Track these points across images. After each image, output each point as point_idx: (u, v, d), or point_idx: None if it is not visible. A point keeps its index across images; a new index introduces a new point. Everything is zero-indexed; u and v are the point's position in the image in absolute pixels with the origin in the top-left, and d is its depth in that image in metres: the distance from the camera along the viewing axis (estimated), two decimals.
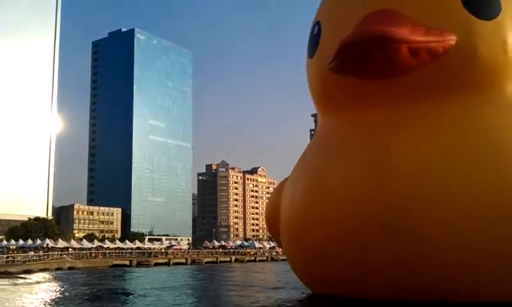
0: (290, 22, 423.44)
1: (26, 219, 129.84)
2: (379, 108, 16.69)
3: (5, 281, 46.49)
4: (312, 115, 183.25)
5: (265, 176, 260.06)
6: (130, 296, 34.95)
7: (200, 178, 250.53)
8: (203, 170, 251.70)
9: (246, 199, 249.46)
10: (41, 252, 75.83)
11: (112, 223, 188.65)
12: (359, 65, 15.86)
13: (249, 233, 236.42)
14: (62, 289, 40.45)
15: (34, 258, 71.01)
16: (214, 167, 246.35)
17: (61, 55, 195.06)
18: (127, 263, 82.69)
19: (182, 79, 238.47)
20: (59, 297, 33.62)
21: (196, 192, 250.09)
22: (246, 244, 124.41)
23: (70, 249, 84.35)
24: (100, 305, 29.39)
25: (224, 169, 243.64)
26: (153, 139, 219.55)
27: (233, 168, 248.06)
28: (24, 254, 71.35)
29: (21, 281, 48.89)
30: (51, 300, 32.81)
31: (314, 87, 19.85)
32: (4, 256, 66.18)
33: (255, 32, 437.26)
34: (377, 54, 15.22)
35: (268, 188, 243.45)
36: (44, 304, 30.53)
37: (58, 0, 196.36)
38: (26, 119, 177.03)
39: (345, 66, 16.12)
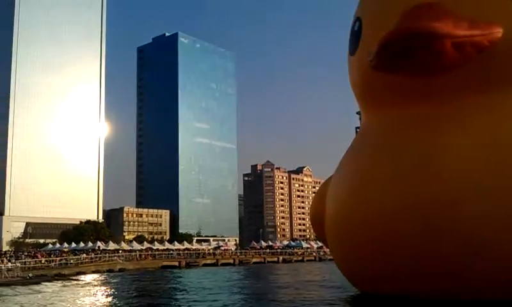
0: (332, 20, 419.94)
1: (78, 222, 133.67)
2: (423, 105, 16.34)
3: (59, 283, 48.06)
4: (357, 113, 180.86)
5: (310, 176, 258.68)
6: (182, 296, 35.50)
7: (246, 178, 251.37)
8: (249, 171, 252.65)
9: (292, 199, 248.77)
10: (92, 255, 77.70)
11: (160, 225, 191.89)
12: (401, 62, 15.55)
13: (296, 233, 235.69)
14: (114, 290, 41.50)
15: (86, 260, 72.91)
16: (259, 167, 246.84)
17: (107, 62, 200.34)
18: (176, 264, 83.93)
19: (225, 81, 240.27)
20: (112, 298, 34.49)
21: (242, 192, 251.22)
22: (293, 244, 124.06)
23: (121, 251, 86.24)
24: (151, 305, 29.97)
25: (269, 169, 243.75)
26: (198, 141, 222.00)
27: (278, 168, 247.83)
28: (76, 257, 73.32)
29: (74, 282, 50.41)
30: (104, 301, 33.70)
31: (356, 84, 19.66)
32: (58, 258, 68.20)
33: (298, 31, 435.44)
34: (419, 51, 14.87)
35: (314, 187, 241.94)
36: (98, 305, 31.38)
37: (103, 7, 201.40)
38: (76, 127, 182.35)
39: (387, 63, 15.84)
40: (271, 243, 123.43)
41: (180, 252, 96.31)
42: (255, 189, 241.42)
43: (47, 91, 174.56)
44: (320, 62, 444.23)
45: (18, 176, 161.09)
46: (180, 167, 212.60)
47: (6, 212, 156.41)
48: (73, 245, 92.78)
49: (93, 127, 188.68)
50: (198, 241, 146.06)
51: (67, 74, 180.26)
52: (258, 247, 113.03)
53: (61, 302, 32.80)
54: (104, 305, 31.71)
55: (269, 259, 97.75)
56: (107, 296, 37.15)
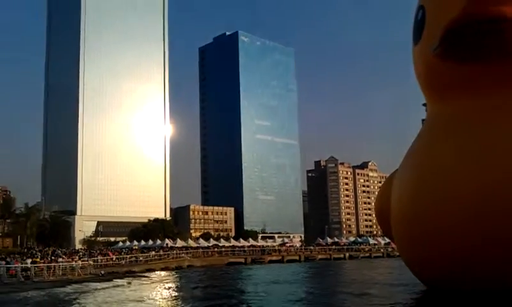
0: (393, 10, 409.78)
1: (146, 220, 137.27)
2: (490, 93, 15.56)
3: (130, 280, 49.53)
4: (423, 104, 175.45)
5: (376, 171, 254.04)
6: (251, 292, 35.74)
7: (309, 174, 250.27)
8: (312, 167, 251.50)
9: (358, 194, 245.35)
10: (161, 252, 79.62)
11: (226, 222, 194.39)
12: (466, 49, 14.84)
13: (362, 229, 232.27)
14: (184, 286, 42.33)
15: (155, 257, 74.79)
16: (322, 163, 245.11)
17: (170, 63, 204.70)
18: (242, 260, 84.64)
19: (286, 77, 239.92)
20: (182, 293, 35.19)
21: (305, 189, 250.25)
22: (359, 240, 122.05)
23: (188, 248, 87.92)
24: (221, 301, 30.34)
25: (333, 165, 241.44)
26: (260, 138, 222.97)
27: (342, 163, 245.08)
28: (145, 254, 75.35)
29: (144, 279, 51.82)
30: (176, 296, 34.44)
31: (420, 74, 19.01)
32: (128, 256, 70.26)
33: (359, 23, 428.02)
34: (486, 37, 14.12)
35: (380, 182, 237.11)
36: (170, 300, 32.11)
37: (165, 10, 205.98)
38: (143, 128, 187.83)
39: (452, 51, 15.17)
40: (336, 239, 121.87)
41: (246, 249, 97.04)
42: (319, 185, 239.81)
43: (114, 93, 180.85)
44: (381, 54, 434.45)
45: (88, 177, 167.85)
46: (244, 165, 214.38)
47: (78, 212, 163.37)
48: (142, 243, 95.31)
49: (159, 128, 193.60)
50: (263, 238, 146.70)
51: (133, 77, 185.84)
52: (324, 243, 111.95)
53: (134, 297, 33.83)
54: (177, 300, 32.41)
55: (335, 256, 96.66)
56: (178, 291, 37.95)
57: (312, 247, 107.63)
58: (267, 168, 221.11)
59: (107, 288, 40.40)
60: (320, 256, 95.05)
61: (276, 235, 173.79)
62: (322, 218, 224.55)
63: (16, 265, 43.97)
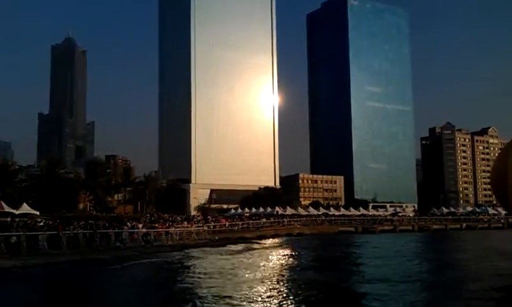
0: None
1: (257, 188, 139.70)
2: None
3: (242, 245, 50.59)
4: None
5: (496, 137, 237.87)
6: (366, 260, 34.94)
7: (423, 142, 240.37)
8: (426, 134, 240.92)
9: (476, 162, 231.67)
10: (272, 219, 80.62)
11: (335, 191, 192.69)
12: None
13: (480, 199, 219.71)
14: (297, 252, 42.35)
15: (267, 224, 75.97)
16: (437, 130, 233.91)
17: (278, 32, 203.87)
18: (353, 229, 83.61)
19: (399, 41, 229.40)
20: (297, 260, 35.17)
21: (419, 157, 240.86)
22: (478, 210, 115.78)
23: (298, 216, 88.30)
24: (333, 269, 29.86)
25: (449, 132, 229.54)
26: (371, 105, 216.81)
27: (459, 130, 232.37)
28: (257, 221, 76.68)
29: (256, 245, 52.69)
30: (289, 262, 34.49)
31: None
32: (240, 223, 71.90)
33: None
34: None
35: (501, 150, 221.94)
36: (284, 266, 32.19)
37: None
38: (252, 98, 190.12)
39: None
40: (452, 209, 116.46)
41: (356, 218, 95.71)
42: (434, 153, 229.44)
43: (224, 63, 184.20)
44: (497, 13, 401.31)
45: (202, 147, 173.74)
46: (353, 133, 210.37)
47: (193, 180, 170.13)
48: (253, 210, 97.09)
49: (268, 97, 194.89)
50: (374, 207, 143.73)
51: (242, 46, 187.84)
52: (439, 213, 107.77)
53: (249, 262, 34.43)
54: (291, 265, 32.42)
55: (451, 226, 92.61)
56: (291, 257, 38.02)
57: (426, 217, 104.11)
58: (378, 136, 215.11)
59: (222, 252, 41.47)
60: (435, 227, 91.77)
61: (387, 205, 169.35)
62: (437, 187, 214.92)
63: (138, 230, 46.38)
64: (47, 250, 34.55)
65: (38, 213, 53.24)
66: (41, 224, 42.88)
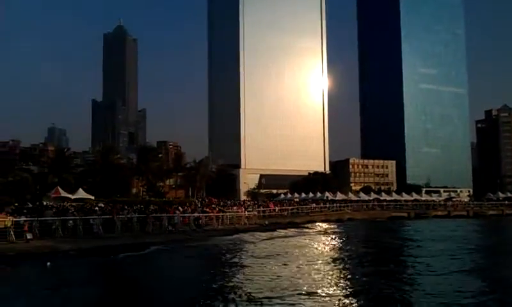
0: None
1: (306, 173, 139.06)
2: None
3: (292, 230, 50.47)
4: None
5: None
6: (419, 243, 34.19)
7: (479, 125, 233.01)
8: (482, 117, 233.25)
9: None
10: (322, 204, 79.99)
11: (387, 175, 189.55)
12: None
13: None
14: (347, 238, 41.91)
15: (316, 209, 75.39)
16: (494, 112, 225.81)
17: (327, 14, 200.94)
18: (405, 215, 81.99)
19: (452, 22, 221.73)
20: (346, 245, 34.80)
21: (474, 140, 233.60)
22: None
23: (349, 202, 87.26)
24: (387, 254, 29.34)
25: (506, 114, 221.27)
26: (424, 88, 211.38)
27: None
28: (307, 206, 76.24)
29: (306, 230, 52.45)
30: (340, 247, 34.19)
31: None
32: (290, 208, 71.66)
33: None
34: None
35: None
36: (336, 250, 31.95)
37: None
38: (301, 82, 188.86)
39: None
40: (509, 194, 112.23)
41: (409, 203, 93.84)
42: (490, 136, 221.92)
43: (273, 49, 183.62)
44: None
45: (251, 132, 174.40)
46: (406, 116, 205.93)
47: (242, 165, 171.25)
48: (303, 195, 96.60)
49: (317, 80, 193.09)
50: (427, 192, 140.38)
51: (291, 31, 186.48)
52: (495, 198, 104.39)
53: (301, 245, 34.40)
54: (342, 249, 32.13)
55: (508, 212, 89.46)
56: (341, 242, 37.65)
57: (481, 203, 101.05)
58: (431, 119, 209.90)
59: (273, 237, 41.54)
60: (491, 212, 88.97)
61: (441, 190, 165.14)
62: (493, 172, 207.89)
63: (190, 214, 46.98)
64: (102, 234, 35.47)
65: (93, 198, 54.74)
66: (96, 208, 44.06)
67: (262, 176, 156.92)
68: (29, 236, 30.58)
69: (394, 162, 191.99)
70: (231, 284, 20.36)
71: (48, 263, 24.06)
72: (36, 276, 22.84)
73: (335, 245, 36.48)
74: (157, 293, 18.61)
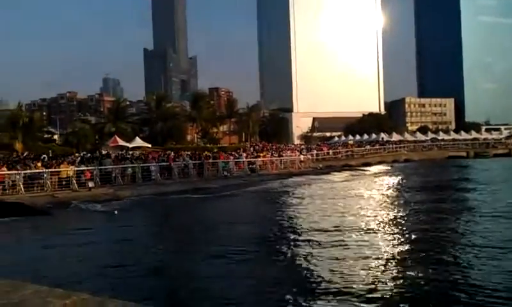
0: None
1: (361, 115, 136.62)
2: None
3: (347, 173, 50.10)
4: None
5: None
6: (476, 185, 33.17)
7: None
8: None
9: None
10: (377, 146, 78.87)
11: (445, 114, 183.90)
12: None
13: None
14: (402, 180, 41.21)
15: (371, 151, 74.47)
16: None
17: None
18: (464, 154, 79.86)
19: None
20: (401, 188, 34.23)
21: None
22: None
23: (405, 142, 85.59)
24: (442, 194, 28.67)
25: None
26: (483, 20, 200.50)
27: None
28: (361, 148, 75.39)
29: (361, 172, 51.95)
30: (397, 189, 33.71)
31: None
32: (344, 151, 71.05)
33: None
34: None
35: None
36: (393, 192, 31.53)
37: None
38: (354, 20, 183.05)
39: None
40: None
41: (468, 142, 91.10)
42: None
43: None
44: None
45: (303, 74, 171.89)
46: (464, 51, 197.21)
47: (295, 109, 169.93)
48: (358, 137, 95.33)
49: (371, 19, 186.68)
50: (487, 130, 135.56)
51: None
52: None
53: (353, 189, 34.16)
54: (399, 191, 31.68)
55: None
56: (398, 184, 37.08)
57: None
58: (492, 53, 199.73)
59: (328, 179, 41.40)
60: None
61: (502, 127, 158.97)
62: None
63: (244, 159, 47.36)
64: (160, 180, 36.29)
65: (149, 145, 55.98)
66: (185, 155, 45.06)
67: (315, 119, 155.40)
68: (90, 184, 31.63)
69: (453, 99, 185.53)
70: (296, 220, 20.84)
71: (116, 211, 24.85)
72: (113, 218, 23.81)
73: (395, 187, 35.89)
74: (236, 229, 19.56)
